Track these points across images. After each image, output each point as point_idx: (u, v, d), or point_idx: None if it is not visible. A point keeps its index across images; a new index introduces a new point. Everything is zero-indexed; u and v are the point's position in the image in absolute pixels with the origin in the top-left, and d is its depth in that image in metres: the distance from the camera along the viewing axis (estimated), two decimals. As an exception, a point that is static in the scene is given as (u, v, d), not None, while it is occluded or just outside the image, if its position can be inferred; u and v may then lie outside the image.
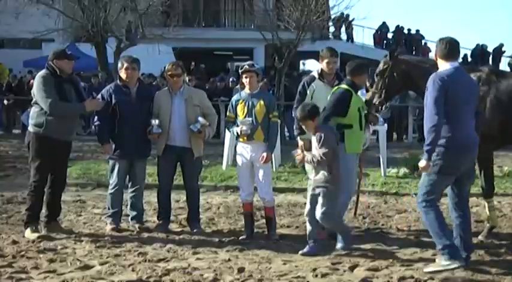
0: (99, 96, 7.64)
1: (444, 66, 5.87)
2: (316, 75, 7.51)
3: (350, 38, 32.56)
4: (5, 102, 19.03)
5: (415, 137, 18.37)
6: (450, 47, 5.91)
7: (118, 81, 7.65)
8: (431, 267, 5.91)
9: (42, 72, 7.32)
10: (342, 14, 22.85)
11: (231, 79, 19.99)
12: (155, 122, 7.44)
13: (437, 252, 6.05)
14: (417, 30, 33.15)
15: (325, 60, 7.46)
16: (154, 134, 7.49)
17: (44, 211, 7.38)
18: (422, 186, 5.93)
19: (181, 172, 7.76)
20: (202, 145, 7.70)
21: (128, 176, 7.70)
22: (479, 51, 31.86)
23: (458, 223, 6.06)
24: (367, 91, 12.41)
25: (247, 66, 7.28)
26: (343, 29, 29.93)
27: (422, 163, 5.71)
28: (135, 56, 7.96)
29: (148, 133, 7.52)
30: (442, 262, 5.84)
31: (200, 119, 7.41)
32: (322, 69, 7.52)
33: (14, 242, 6.91)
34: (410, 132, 18.27)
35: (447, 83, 5.70)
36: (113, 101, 7.46)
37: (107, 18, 17.08)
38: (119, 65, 7.71)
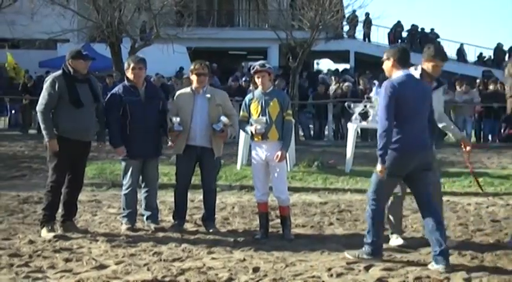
0: (109, 95, 7.65)
1: (398, 72, 6.13)
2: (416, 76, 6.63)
3: (367, 37, 32.47)
4: (24, 101, 19.19)
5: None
6: (406, 55, 6.24)
7: (126, 82, 7.63)
8: (350, 255, 6.34)
9: (56, 73, 7.38)
10: (354, 11, 22.75)
11: (243, 79, 19.98)
12: (176, 119, 7.44)
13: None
14: (432, 29, 33.03)
15: (434, 63, 6.66)
16: (176, 131, 7.49)
17: (60, 211, 7.41)
18: (371, 185, 6.32)
19: (198, 172, 7.74)
20: (222, 145, 7.70)
21: (141, 176, 7.71)
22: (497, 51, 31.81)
23: (430, 227, 6.13)
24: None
25: (258, 67, 7.28)
26: (358, 28, 29.90)
27: (378, 167, 6.09)
28: (141, 56, 7.98)
29: (169, 131, 7.53)
30: (363, 255, 6.28)
31: (223, 118, 7.40)
32: (423, 70, 6.69)
33: (31, 242, 6.95)
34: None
35: (398, 90, 6.00)
36: (123, 102, 7.44)
37: (121, 18, 17.11)
38: (126, 65, 7.67)
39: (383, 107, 6.00)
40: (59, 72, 7.34)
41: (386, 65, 6.26)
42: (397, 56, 6.18)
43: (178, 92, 7.88)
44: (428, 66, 6.68)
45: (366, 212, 6.43)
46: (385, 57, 6.28)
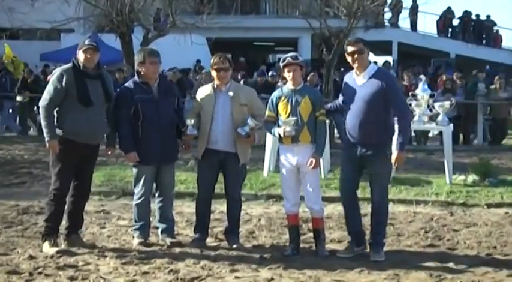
0: (119, 91, 7.69)
1: (372, 64, 7.32)
2: None
3: (414, 25, 32.30)
4: (18, 98, 19.36)
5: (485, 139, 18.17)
6: None
7: (137, 77, 7.65)
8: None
9: (65, 66, 7.44)
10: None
11: (270, 73, 20.01)
12: (190, 121, 7.47)
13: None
14: (488, 16, 32.77)
15: None
16: (189, 135, 7.53)
17: (64, 223, 7.47)
18: (384, 180, 7.20)
19: (220, 179, 7.75)
20: (249, 150, 7.70)
21: (155, 184, 7.75)
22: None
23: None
24: (429, 87, 12.36)
25: (290, 59, 7.27)
26: (402, 15, 29.78)
27: (403, 155, 7.09)
28: (155, 48, 7.99)
29: (183, 134, 7.57)
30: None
31: (250, 121, 7.36)
32: None
33: (31, 258, 7.01)
34: (480, 133, 18.07)
35: None
36: (134, 101, 7.45)
37: (132, 5, 17.24)
38: (140, 59, 7.61)
39: (403, 98, 7.26)
40: (69, 65, 7.38)
41: (366, 57, 7.16)
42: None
43: (199, 89, 7.90)
44: None
45: (379, 216, 7.18)
46: (361, 47, 7.09)
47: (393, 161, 7.09)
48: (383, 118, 7.02)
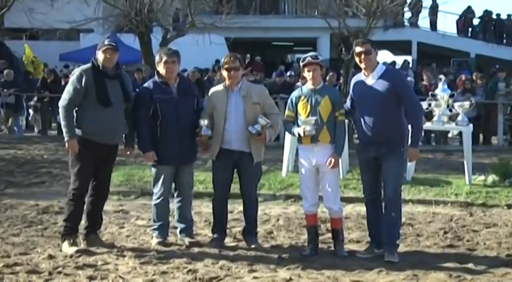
0: (138, 91, 7.73)
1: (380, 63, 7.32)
2: None
3: (434, 25, 32.14)
4: (35, 99, 19.50)
5: (505, 139, 18.04)
6: None
7: (156, 77, 7.68)
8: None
9: (85, 66, 7.49)
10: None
11: (289, 73, 20.01)
12: (204, 122, 7.49)
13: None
14: (508, 16, 32.52)
15: None
16: (203, 136, 7.55)
17: (83, 222, 7.52)
18: (397, 177, 7.14)
19: (237, 179, 7.78)
20: (263, 148, 7.72)
21: (173, 184, 7.78)
22: None
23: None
24: (448, 87, 12.31)
25: (310, 58, 7.28)
26: (421, 14, 29.65)
27: (417, 151, 7.21)
28: (174, 48, 8.02)
29: (196, 135, 7.59)
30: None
31: (260, 119, 7.40)
32: None
33: (50, 257, 7.05)
34: (500, 133, 17.96)
35: None
36: (153, 100, 7.49)
37: (151, 5, 17.27)
38: (157, 58, 7.70)
39: (414, 94, 7.36)
40: (88, 65, 7.44)
41: (374, 58, 7.15)
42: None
43: (212, 90, 7.92)
44: None
45: (392, 216, 7.07)
46: (369, 48, 7.11)
47: (407, 157, 7.17)
48: (396, 116, 7.07)
